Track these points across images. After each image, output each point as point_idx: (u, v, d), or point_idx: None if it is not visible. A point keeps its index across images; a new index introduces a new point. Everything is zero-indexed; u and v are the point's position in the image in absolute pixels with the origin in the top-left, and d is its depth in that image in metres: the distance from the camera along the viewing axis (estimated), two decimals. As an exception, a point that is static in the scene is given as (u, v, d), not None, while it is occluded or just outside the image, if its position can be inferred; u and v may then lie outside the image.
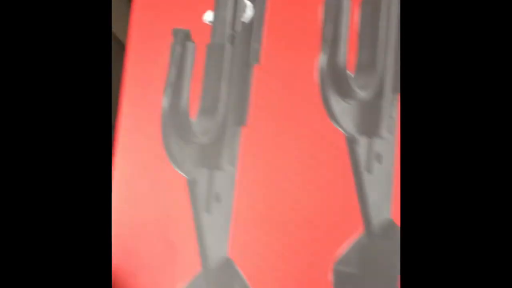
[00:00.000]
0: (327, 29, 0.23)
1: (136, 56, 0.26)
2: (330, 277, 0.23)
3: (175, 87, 0.25)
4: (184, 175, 0.25)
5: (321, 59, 0.23)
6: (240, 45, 0.24)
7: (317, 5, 0.24)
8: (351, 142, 0.23)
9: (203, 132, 0.24)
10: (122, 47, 0.30)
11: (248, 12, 0.24)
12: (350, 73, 0.24)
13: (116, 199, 0.25)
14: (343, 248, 0.23)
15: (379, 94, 0.23)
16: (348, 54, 0.24)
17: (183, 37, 0.25)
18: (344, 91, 0.23)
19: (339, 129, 0.24)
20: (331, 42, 0.23)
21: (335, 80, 0.23)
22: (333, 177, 0.24)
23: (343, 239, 0.23)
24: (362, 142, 0.23)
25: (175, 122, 0.25)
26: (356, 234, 0.23)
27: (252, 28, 0.24)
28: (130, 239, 0.25)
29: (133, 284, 0.25)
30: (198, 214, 0.24)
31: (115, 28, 0.42)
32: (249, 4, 0.24)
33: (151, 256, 0.25)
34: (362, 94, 0.23)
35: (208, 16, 0.25)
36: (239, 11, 0.24)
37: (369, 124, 0.23)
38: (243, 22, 0.25)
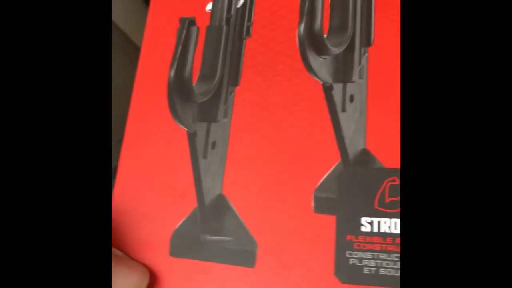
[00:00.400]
0: (304, 3, 0.28)
1: (151, 52, 0.31)
2: (312, 203, 0.26)
3: (180, 60, 0.29)
4: (186, 129, 0.28)
5: (299, 27, 0.28)
6: (234, 24, 0.30)
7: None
8: (327, 89, 0.27)
9: (203, 93, 0.29)
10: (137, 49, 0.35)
11: (241, 0, 0.30)
12: (325, 35, 0.28)
13: (124, 155, 0.29)
14: (322, 178, 0.26)
15: (350, 49, 0.28)
16: (323, 20, 0.28)
17: (188, 23, 0.30)
18: (320, 50, 0.28)
19: (317, 79, 0.27)
20: (308, 13, 0.28)
21: (312, 41, 0.28)
22: (313, 119, 0.27)
23: (322, 171, 0.26)
24: (337, 88, 0.27)
25: (179, 87, 0.29)
26: (333, 165, 0.26)
27: (244, 11, 0.30)
28: (137, 185, 0.28)
29: (133, 218, 0.28)
30: (196, 160, 0.28)
31: (129, 30, 0.48)
32: (241, -7, 0.30)
33: (152, 198, 0.28)
34: (335, 50, 0.28)
35: (209, 6, 0.30)
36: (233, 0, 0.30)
37: (342, 73, 0.27)
38: (236, 8, 0.30)
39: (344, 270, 0.24)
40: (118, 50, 0.50)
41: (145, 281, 0.26)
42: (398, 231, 0.24)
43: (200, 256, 0.26)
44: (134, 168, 0.29)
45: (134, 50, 0.54)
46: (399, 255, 0.24)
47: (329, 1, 0.28)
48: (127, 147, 0.29)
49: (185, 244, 0.26)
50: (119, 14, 0.51)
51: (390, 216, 0.24)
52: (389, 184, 0.25)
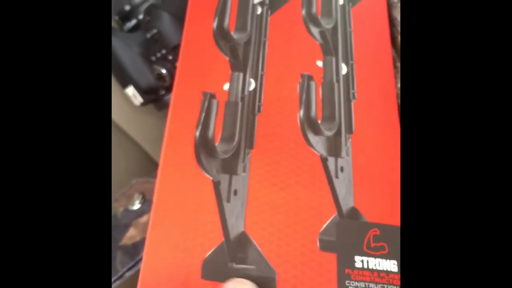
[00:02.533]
0: (301, 96, 0.38)
1: (180, 112, 0.37)
2: (317, 243, 0.34)
3: (203, 124, 0.36)
4: (211, 178, 0.35)
5: (300, 113, 0.38)
6: (247, 102, 0.38)
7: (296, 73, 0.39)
8: (324, 160, 0.36)
9: (224, 152, 0.36)
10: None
11: (252, 85, 0.38)
12: (319, 121, 0.38)
13: (159, 199, 0.35)
14: (324, 225, 0.34)
15: (338, 133, 0.37)
16: (317, 111, 0.38)
17: (209, 96, 0.38)
18: (316, 131, 0.37)
19: (316, 152, 0.36)
20: (305, 103, 0.38)
21: (310, 124, 0.37)
22: (315, 182, 0.35)
23: (323, 220, 0.34)
24: (331, 160, 0.36)
25: (203, 145, 0.36)
26: (331, 216, 0.35)
27: (255, 93, 0.38)
28: (169, 223, 0.34)
29: (169, 249, 0.33)
30: (221, 204, 0.34)
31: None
32: (252, 80, 0.38)
33: (186, 235, 0.33)
34: (328, 133, 0.37)
35: (226, 86, 0.38)
36: (247, 84, 0.38)
37: (334, 149, 0.37)
38: (249, 90, 0.38)
39: (345, 294, 0.32)
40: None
41: None
42: (381, 267, 0.33)
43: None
44: (170, 208, 0.34)
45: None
46: (383, 285, 0.33)
47: (321, 96, 0.38)
48: (160, 192, 0.34)
49: (215, 269, 0.32)
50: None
51: (375, 256, 0.33)
52: (372, 233, 0.34)
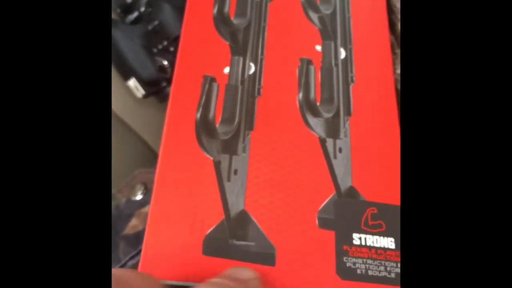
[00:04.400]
0: (300, 78, 0.39)
1: (181, 95, 0.38)
2: (316, 221, 0.34)
3: (204, 106, 0.37)
4: (212, 158, 0.36)
5: (299, 95, 0.38)
6: (247, 86, 0.38)
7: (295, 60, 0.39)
8: (322, 141, 0.37)
9: (224, 133, 0.36)
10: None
11: (252, 69, 0.39)
12: (318, 103, 0.38)
13: (160, 179, 0.35)
14: (323, 204, 0.35)
15: (337, 115, 0.38)
16: (316, 94, 0.39)
17: (210, 80, 0.38)
18: (315, 113, 0.38)
19: (315, 134, 0.37)
20: (304, 86, 0.38)
21: (309, 107, 0.38)
22: (313, 163, 0.36)
23: (322, 199, 0.35)
24: (329, 141, 0.37)
25: (204, 126, 0.37)
26: (330, 195, 0.35)
27: (255, 76, 0.39)
28: (171, 201, 0.34)
29: (170, 226, 0.33)
30: (222, 183, 0.35)
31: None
32: (252, 64, 0.39)
33: (186, 213, 0.34)
34: (326, 115, 0.38)
35: (226, 69, 0.39)
36: (247, 67, 0.39)
37: (332, 131, 0.37)
38: (249, 74, 0.39)
39: (342, 270, 0.33)
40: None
41: None
42: (379, 244, 0.34)
43: (229, 256, 0.33)
44: (171, 187, 0.35)
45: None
46: (381, 261, 0.33)
47: (319, 80, 0.39)
48: (161, 172, 0.35)
49: (216, 246, 0.33)
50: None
51: (373, 234, 0.34)
52: (370, 212, 0.35)
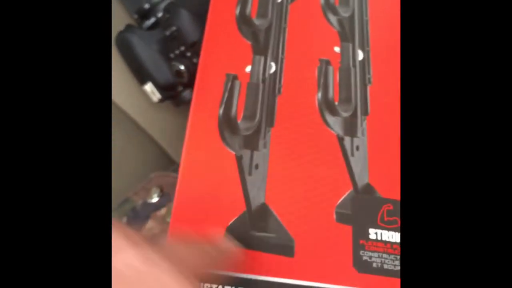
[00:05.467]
0: (319, 78, 0.40)
1: (204, 92, 0.39)
2: (333, 215, 0.36)
3: (226, 103, 0.38)
4: (234, 152, 0.37)
5: (318, 94, 0.40)
6: (268, 84, 0.40)
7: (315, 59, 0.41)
8: (340, 139, 0.38)
9: (246, 129, 0.38)
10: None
11: (273, 68, 0.40)
12: (336, 102, 0.40)
13: (185, 172, 0.36)
14: (340, 199, 0.36)
15: (354, 115, 0.39)
16: (334, 94, 0.40)
17: (232, 78, 0.40)
18: (333, 112, 0.39)
19: (333, 132, 0.38)
20: (323, 85, 0.40)
21: (327, 106, 0.39)
22: (331, 160, 0.37)
23: (340, 194, 0.36)
24: (347, 139, 0.38)
25: (227, 122, 0.38)
26: (347, 191, 0.37)
27: (276, 75, 0.40)
28: (194, 194, 0.36)
29: (194, 218, 0.35)
30: (244, 176, 0.36)
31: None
32: (273, 64, 0.41)
33: (209, 205, 0.35)
34: (344, 114, 0.39)
35: (248, 68, 0.40)
36: (268, 67, 0.40)
37: (350, 130, 0.39)
38: (270, 73, 0.40)
39: (359, 263, 0.34)
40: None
41: None
42: (394, 240, 0.35)
43: (250, 246, 0.34)
44: (195, 179, 0.36)
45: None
46: (396, 256, 0.34)
47: (337, 80, 0.40)
48: (186, 165, 0.36)
49: (237, 236, 0.34)
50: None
51: (388, 229, 0.35)
52: (386, 208, 0.36)
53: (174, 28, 0.53)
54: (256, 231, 0.34)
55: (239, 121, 0.38)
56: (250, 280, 0.33)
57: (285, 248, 0.34)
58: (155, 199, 0.49)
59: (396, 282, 0.34)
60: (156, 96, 0.55)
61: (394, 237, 0.35)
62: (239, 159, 0.36)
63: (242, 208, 0.35)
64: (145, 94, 0.56)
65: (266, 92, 0.39)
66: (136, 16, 0.57)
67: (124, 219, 0.48)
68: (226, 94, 0.38)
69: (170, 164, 0.59)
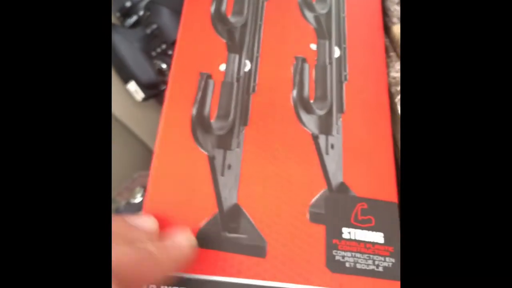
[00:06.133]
0: (295, 76, 0.40)
1: (177, 91, 0.39)
2: (307, 215, 0.35)
3: (200, 103, 0.38)
4: (206, 153, 0.37)
5: (293, 93, 0.39)
6: (243, 82, 0.39)
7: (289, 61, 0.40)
8: (315, 138, 0.38)
9: (219, 128, 0.37)
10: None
11: (247, 66, 0.40)
12: (311, 101, 0.39)
13: (155, 172, 0.36)
14: (314, 198, 0.36)
15: (330, 113, 0.39)
16: (309, 92, 0.40)
17: (206, 77, 0.39)
18: (308, 110, 0.39)
19: (307, 130, 0.38)
20: (299, 83, 0.39)
21: (302, 104, 0.39)
22: (306, 159, 0.37)
23: (313, 194, 0.36)
24: (322, 138, 0.38)
25: (200, 122, 0.37)
26: (321, 190, 0.36)
27: (250, 74, 0.40)
28: (166, 195, 0.35)
29: (165, 220, 0.34)
30: (216, 177, 0.36)
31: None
32: (248, 62, 0.40)
33: (180, 206, 0.35)
34: (319, 112, 0.39)
35: (222, 66, 0.40)
36: (243, 65, 0.40)
37: (325, 128, 0.38)
38: (244, 71, 0.40)
39: (332, 263, 0.34)
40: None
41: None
42: (368, 239, 0.35)
43: (222, 248, 0.34)
44: (166, 180, 0.35)
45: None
46: (369, 255, 0.34)
47: (313, 77, 0.40)
48: (158, 165, 0.36)
49: (209, 238, 0.34)
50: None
51: (362, 228, 0.35)
52: (360, 207, 0.36)
53: (155, 26, 0.53)
54: (228, 232, 0.34)
55: (212, 121, 0.37)
56: (221, 282, 0.32)
57: (256, 248, 0.34)
58: (138, 199, 0.49)
59: (369, 281, 0.34)
60: (139, 95, 0.54)
61: (368, 236, 0.35)
62: (211, 159, 0.36)
63: (215, 209, 0.34)
64: (128, 93, 0.56)
65: (241, 90, 0.39)
66: (118, 14, 0.57)
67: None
68: (200, 93, 0.38)
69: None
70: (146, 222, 0.31)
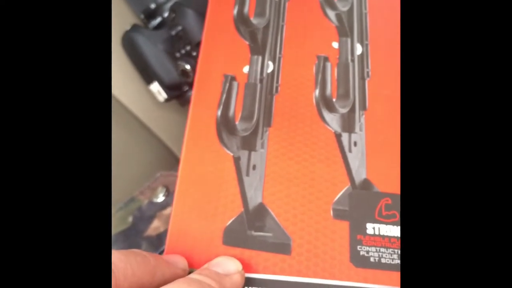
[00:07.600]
0: (317, 75, 0.40)
1: (202, 94, 0.40)
2: (331, 212, 0.36)
3: (224, 104, 0.39)
4: (231, 154, 0.38)
5: (315, 92, 0.40)
6: (266, 84, 0.40)
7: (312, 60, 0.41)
8: (338, 136, 0.38)
9: (244, 130, 0.38)
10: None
11: (270, 67, 0.41)
12: (334, 99, 0.40)
13: (183, 173, 0.37)
14: (337, 195, 0.37)
15: (352, 110, 0.39)
16: (332, 91, 0.40)
17: (230, 79, 0.40)
18: (331, 109, 0.39)
19: (330, 129, 0.39)
20: (321, 83, 0.40)
21: (325, 103, 0.39)
22: (329, 157, 0.38)
23: (337, 191, 0.37)
24: (344, 136, 0.38)
25: (225, 123, 0.39)
26: (345, 187, 0.37)
27: (273, 75, 0.41)
28: (193, 195, 0.37)
29: (193, 218, 0.35)
30: (241, 177, 0.37)
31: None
32: (270, 63, 0.41)
33: (208, 205, 0.36)
34: (342, 110, 0.39)
35: (246, 68, 0.41)
36: (265, 66, 0.41)
37: (348, 126, 0.39)
38: (267, 72, 0.41)
39: (356, 258, 0.34)
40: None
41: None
42: (392, 234, 0.35)
43: (247, 246, 0.35)
44: (193, 181, 0.37)
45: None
46: (394, 250, 0.35)
47: (335, 76, 0.40)
48: (185, 167, 0.37)
49: (235, 236, 0.35)
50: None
51: (386, 223, 0.35)
52: (384, 202, 0.36)
53: (179, 27, 0.54)
54: (253, 230, 0.35)
55: (237, 122, 0.38)
56: (247, 278, 0.33)
57: (281, 246, 0.35)
58: (160, 199, 0.50)
59: (394, 275, 0.34)
60: (162, 95, 0.56)
61: (392, 231, 0.35)
62: (236, 160, 0.37)
63: (240, 208, 0.36)
64: (151, 93, 0.57)
65: (264, 92, 0.40)
66: (142, 16, 0.59)
67: (130, 219, 0.50)
68: (224, 95, 0.39)
69: (176, 163, 0.60)
70: (180, 259, 0.33)
